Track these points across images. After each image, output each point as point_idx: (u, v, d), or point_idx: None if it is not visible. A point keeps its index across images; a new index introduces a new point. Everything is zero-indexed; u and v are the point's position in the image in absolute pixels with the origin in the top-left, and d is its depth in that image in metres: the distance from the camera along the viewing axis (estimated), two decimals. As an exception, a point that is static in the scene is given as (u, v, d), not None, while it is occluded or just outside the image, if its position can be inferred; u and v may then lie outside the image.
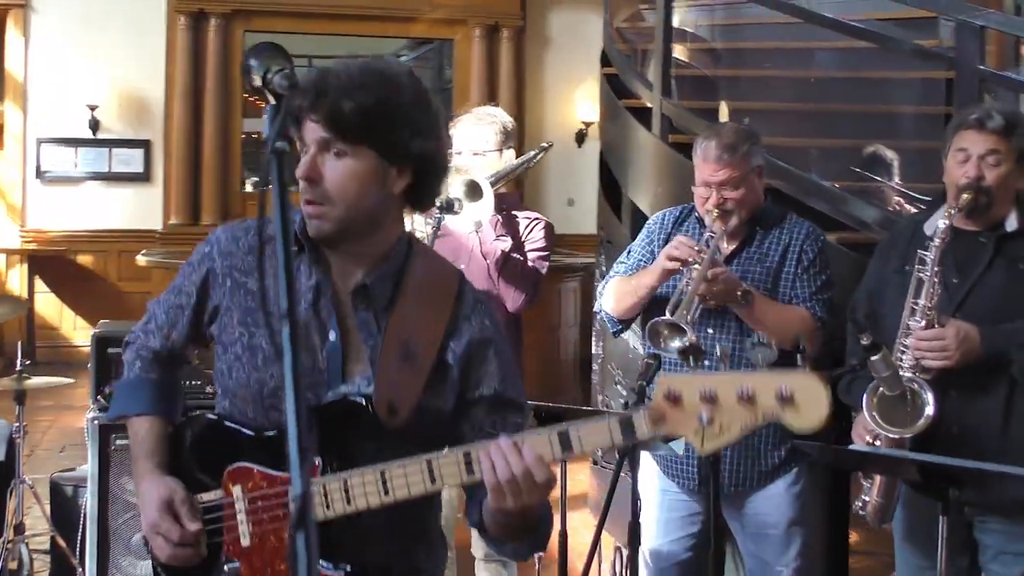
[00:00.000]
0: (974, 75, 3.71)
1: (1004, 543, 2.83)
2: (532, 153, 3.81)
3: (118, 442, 4.14)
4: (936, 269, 2.86)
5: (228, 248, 1.94)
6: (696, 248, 3.12)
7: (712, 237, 3.18)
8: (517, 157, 3.90)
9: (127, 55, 8.84)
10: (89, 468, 4.14)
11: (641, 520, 3.44)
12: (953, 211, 2.85)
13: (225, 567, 1.88)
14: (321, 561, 1.75)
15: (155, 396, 2.03)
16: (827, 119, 5.00)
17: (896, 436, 2.83)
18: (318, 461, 1.78)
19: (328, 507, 1.73)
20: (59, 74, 8.95)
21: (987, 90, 3.81)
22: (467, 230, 3.58)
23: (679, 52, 5.68)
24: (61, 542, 4.34)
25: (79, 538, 4.21)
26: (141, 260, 8.11)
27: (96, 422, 4.12)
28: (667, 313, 3.05)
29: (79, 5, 8.95)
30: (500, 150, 3.71)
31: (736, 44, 5.62)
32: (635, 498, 2.94)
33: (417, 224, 3.51)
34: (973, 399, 2.85)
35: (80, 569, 4.19)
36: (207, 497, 1.90)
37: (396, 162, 1.80)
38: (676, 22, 5.33)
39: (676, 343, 3.04)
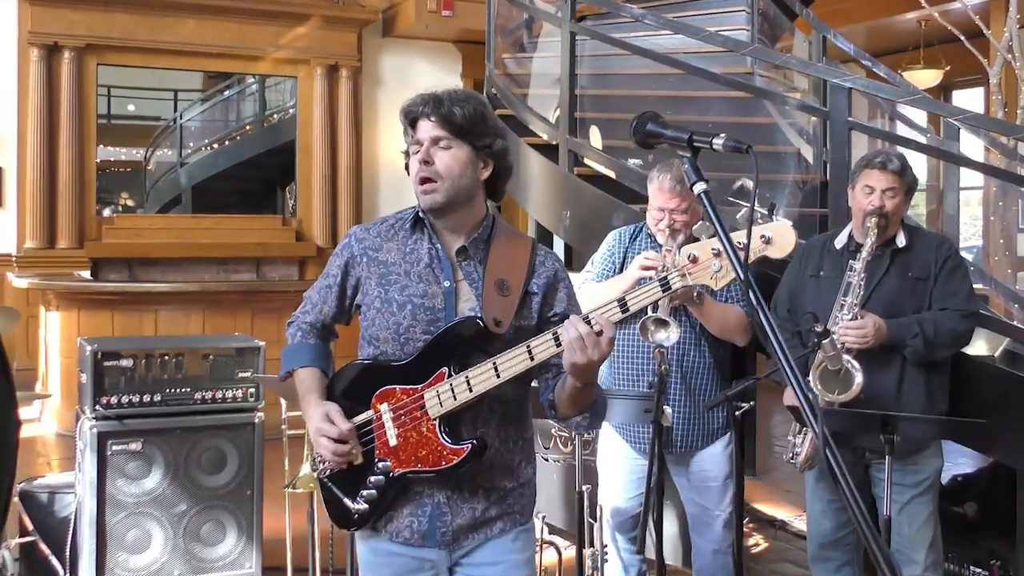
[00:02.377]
0: (844, 124, 4.28)
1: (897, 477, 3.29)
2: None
3: (115, 447, 4.07)
4: (863, 275, 3.41)
5: (362, 236, 2.38)
6: (662, 260, 3.54)
7: (670, 251, 3.58)
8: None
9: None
10: (87, 472, 4.05)
11: (604, 483, 3.86)
12: (873, 233, 3.40)
13: (378, 465, 2.29)
14: (452, 441, 2.22)
15: (314, 355, 2.44)
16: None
17: (838, 400, 3.34)
18: (445, 369, 2.22)
19: (455, 398, 2.20)
20: None
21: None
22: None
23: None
24: (44, 547, 4.18)
25: (70, 540, 4.09)
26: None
27: (95, 430, 4.04)
28: (648, 312, 3.43)
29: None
30: None
31: (611, 92, 5.99)
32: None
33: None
34: (879, 372, 3.40)
35: (64, 571, 4.07)
36: (359, 419, 2.30)
37: (483, 155, 2.28)
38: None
39: (661, 333, 3.44)
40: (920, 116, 6.02)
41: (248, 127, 11.85)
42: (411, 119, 2.28)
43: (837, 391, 3.34)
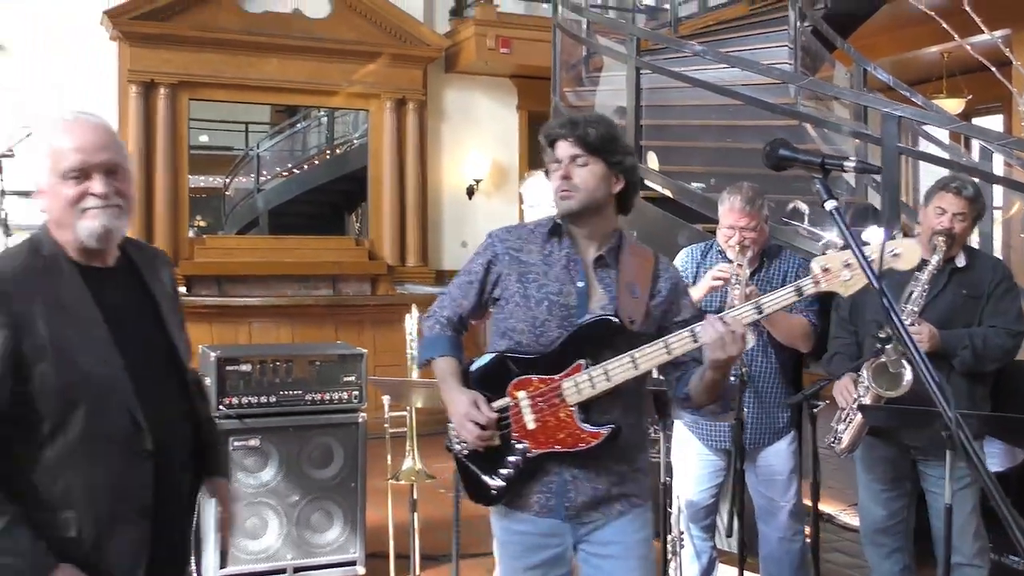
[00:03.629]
0: (894, 149, 4.39)
1: (941, 473, 3.34)
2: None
3: (236, 443, 4.25)
4: (926, 286, 3.52)
5: (504, 237, 2.54)
6: (733, 272, 3.67)
7: (741, 265, 3.71)
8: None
9: (84, 118, 8.60)
10: (211, 466, 4.21)
11: (679, 477, 3.99)
12: (940, 250, 3.50)
13: (517, 445, 2.43)
14: (589, 425, 2.37)
15: (450, 345, 2.59)
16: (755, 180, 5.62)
17: (885, 394, 3.44)
18: (582, 361, 2.37)
19: (594, 387, 2.35)
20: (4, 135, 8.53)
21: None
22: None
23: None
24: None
25: (195, 526, 4.24)
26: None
27: (218, 427, 4.20)
28: None
29: (33, 74, 8.60)
30: None
31: (669, 121, 6.11)
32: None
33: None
34: (926, 378, 3.50)
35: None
36: (497, 404, 2.44)
37: (616, 170, 2.44)
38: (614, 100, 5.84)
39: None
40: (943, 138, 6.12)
41: (317, 157, 12.08)
42: (550, 140, 2.48)
43: (886, 387, 3.45)
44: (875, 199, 5.44)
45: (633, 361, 2.33)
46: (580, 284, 2.45)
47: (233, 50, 8.89)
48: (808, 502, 3.73)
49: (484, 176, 10.01)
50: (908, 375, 3.41)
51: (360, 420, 4.44)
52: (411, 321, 4.21)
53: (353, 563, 4.42)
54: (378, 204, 9.58)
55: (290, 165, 12.25)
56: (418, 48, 9.54)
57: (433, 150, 9.89)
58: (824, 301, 3.72)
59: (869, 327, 3.60)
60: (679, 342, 2.32)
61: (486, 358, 2.53)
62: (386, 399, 4.20)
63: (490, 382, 2.47)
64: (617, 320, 2.37)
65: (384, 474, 4.34)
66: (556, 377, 2.39)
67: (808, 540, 3.87)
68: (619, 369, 2.33)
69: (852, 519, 5.31)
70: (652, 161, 5.77)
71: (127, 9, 8.47)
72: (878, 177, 4.64)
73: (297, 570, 4.33)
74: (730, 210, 3.78)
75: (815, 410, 3.53)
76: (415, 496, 4.16)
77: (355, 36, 9.32)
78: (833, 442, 3.66)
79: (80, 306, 2.01)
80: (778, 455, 3.86)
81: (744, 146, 5.45)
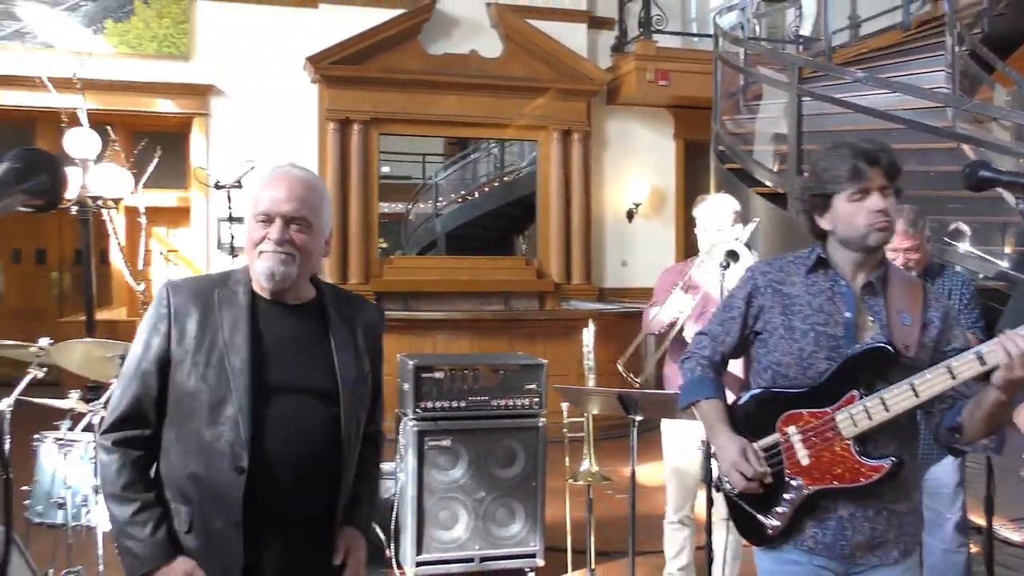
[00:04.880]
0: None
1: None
2: (751, 226, 4.10)
3: (430, 443, 4.44)
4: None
5: (765, 270, 2.36)
6: None
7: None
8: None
9: (288, 153, 9.12)
10: (408, 463, 4.38)
11: None
12: None
13: (792, 483, 2.22)
14: (867, 459, 2.15)
15: (714, 387, 2.42)
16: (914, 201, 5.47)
17: None
18: (856, 392, 2.15)
19: (871, 418, 2.12)
20: (233, 167, 9.16)
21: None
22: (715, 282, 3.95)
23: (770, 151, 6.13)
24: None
25: (393, 518, 4.45)
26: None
27: (415, 429, 4.38)
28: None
29: (248, 114, 9.24)
30: (734, 224, 4.07)
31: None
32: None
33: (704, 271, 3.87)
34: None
35: (388, 542, 4.40)
36: (766, 441, 2.26)
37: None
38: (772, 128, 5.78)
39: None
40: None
41: (488, 184, 12.39)
42: (870, 160, 2.20)
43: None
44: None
45: (913, 389, 2.08)
46: (847, 314, 2.22)
47: (416, 89, 9.28)
48: (974, 516, 3.60)
49: (643, 200, 10.04)
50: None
51: (540, 424, 4.56)
52: (588, 335, 4.30)
53: (533, 555, 4.52)
54: (546, 227, 9.76)
55: (463, 192, 12.63)
56: (582, 83, 9.69)
57: (596, 176, 10.00)
58: (988, 317, 3.59)
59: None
60: (964, 365, 2.03)
61: (751, 393, 2.32)
62: (564, 405, 4.30)
63: (757, 418, 2.28)
64: (892, 348, 2.14)
65: (561, 475, 4.44)
66: (828, 410, 2.18)
67: (972, 552, 3.73)
68: (898, 398, 2.09)
69: (1013, 533, 5.05)
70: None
71: (326, 55, 8.97)
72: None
73: (483, 559, 4.47)
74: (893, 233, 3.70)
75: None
76: (591, 496, 4.24)
77: (525, 73, 9.55)
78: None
79: (234, 332, 2.03)
80: (944, 468, 3.74)
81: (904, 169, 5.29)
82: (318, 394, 2.07)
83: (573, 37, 9.81)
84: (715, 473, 2.37)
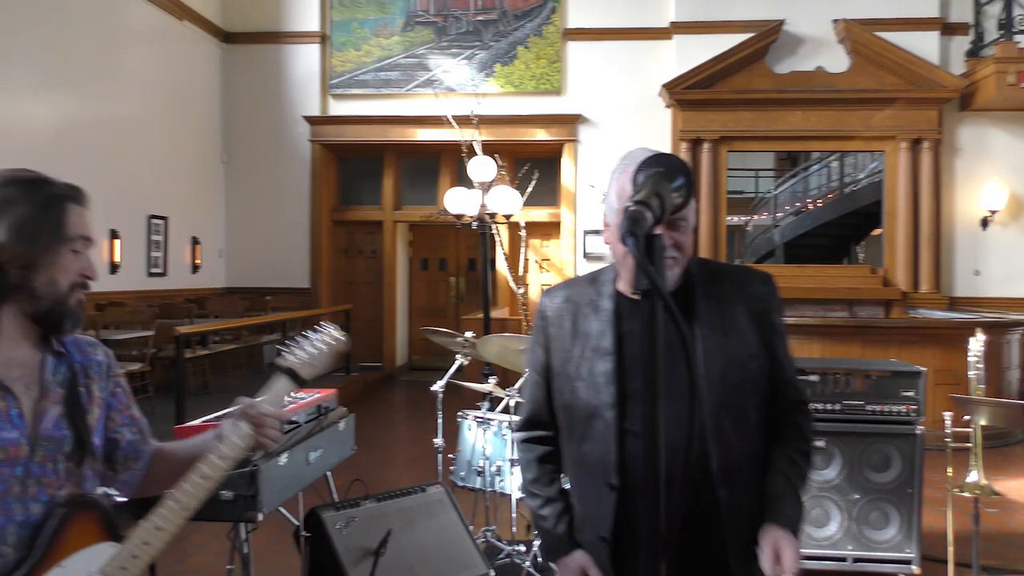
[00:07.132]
0: None
1: None
2: None
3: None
4: None
5: None
6: None
7: None
8: None
9: (644, 171, 9.18)
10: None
11: None
12: None
13: None
14: None
15: None
16: None
17: None
18: None
19: None
20: (598, 186, 9.41)
21: None
22: None
23: None
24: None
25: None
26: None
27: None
28: None
29: (609, 139, 9.40)
30: None
31: None
32: None
33: None
34: None
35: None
36: None
37: None
38: None
39: None
40: None
41: (829, 195, 11.60)
42: None
43: None
44: None
45: None
46: None
47: (763, 107, 8.89)
48: None
49: (1000, 207, 8.82)
50: None
51: (918, 432, 4.08)
52: (976, 343, 3.78)
53: (908, 562, 4.06)
54: (892, 236, 8.91)
55: (798, 205, 11.94)
56: (934, 91, 8.72)
57: (946, 185, 8.96)
58: None
59: None
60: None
61: None
62: (947, 415, 3.81)
63: None
64: None
65: (939, 484, 3.95)
66: None
67: None
68: None
69: None
70: None
71: (679, 81, 8.88)
72: None
73: (856, 560, 4.09)
74: None
75: None
76: (978, 508, 3.71)
77: (873, 85, 8.79)
78: None
79: (600, 339, 1.84)
80: None
81: None
82: (682, 395, 1.74)
83: (924, 45, 8.87)
84: None
